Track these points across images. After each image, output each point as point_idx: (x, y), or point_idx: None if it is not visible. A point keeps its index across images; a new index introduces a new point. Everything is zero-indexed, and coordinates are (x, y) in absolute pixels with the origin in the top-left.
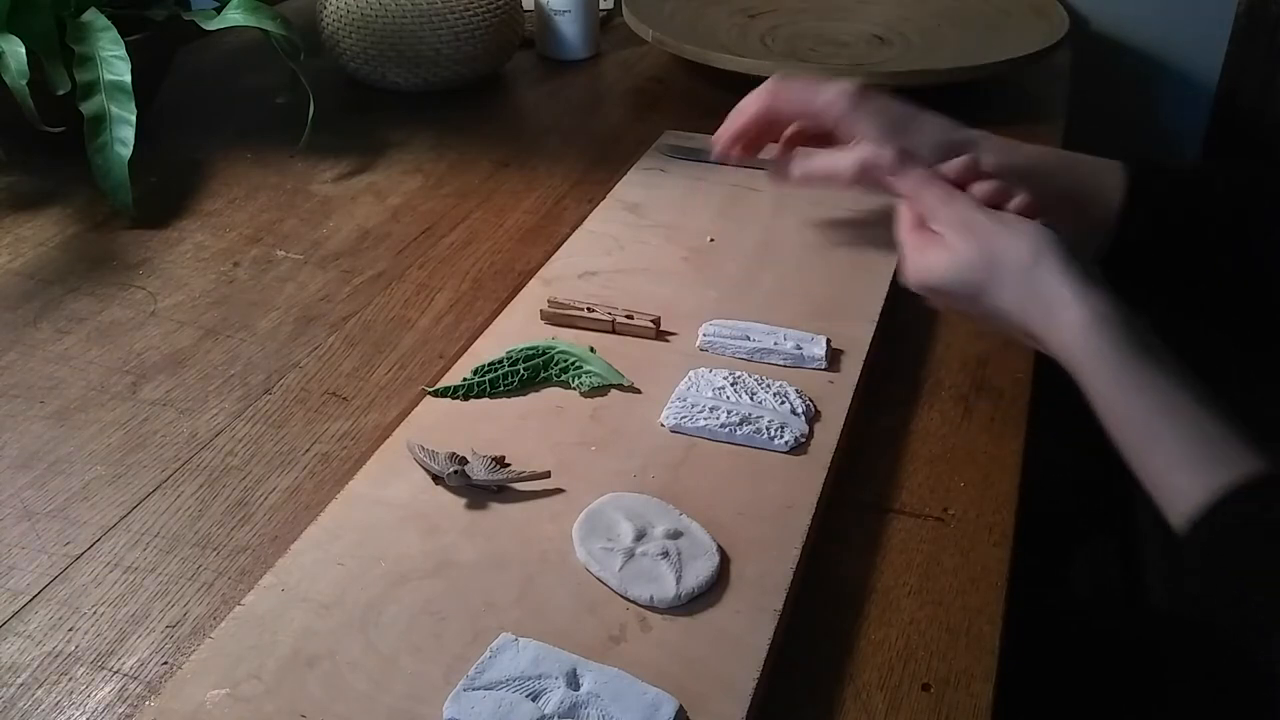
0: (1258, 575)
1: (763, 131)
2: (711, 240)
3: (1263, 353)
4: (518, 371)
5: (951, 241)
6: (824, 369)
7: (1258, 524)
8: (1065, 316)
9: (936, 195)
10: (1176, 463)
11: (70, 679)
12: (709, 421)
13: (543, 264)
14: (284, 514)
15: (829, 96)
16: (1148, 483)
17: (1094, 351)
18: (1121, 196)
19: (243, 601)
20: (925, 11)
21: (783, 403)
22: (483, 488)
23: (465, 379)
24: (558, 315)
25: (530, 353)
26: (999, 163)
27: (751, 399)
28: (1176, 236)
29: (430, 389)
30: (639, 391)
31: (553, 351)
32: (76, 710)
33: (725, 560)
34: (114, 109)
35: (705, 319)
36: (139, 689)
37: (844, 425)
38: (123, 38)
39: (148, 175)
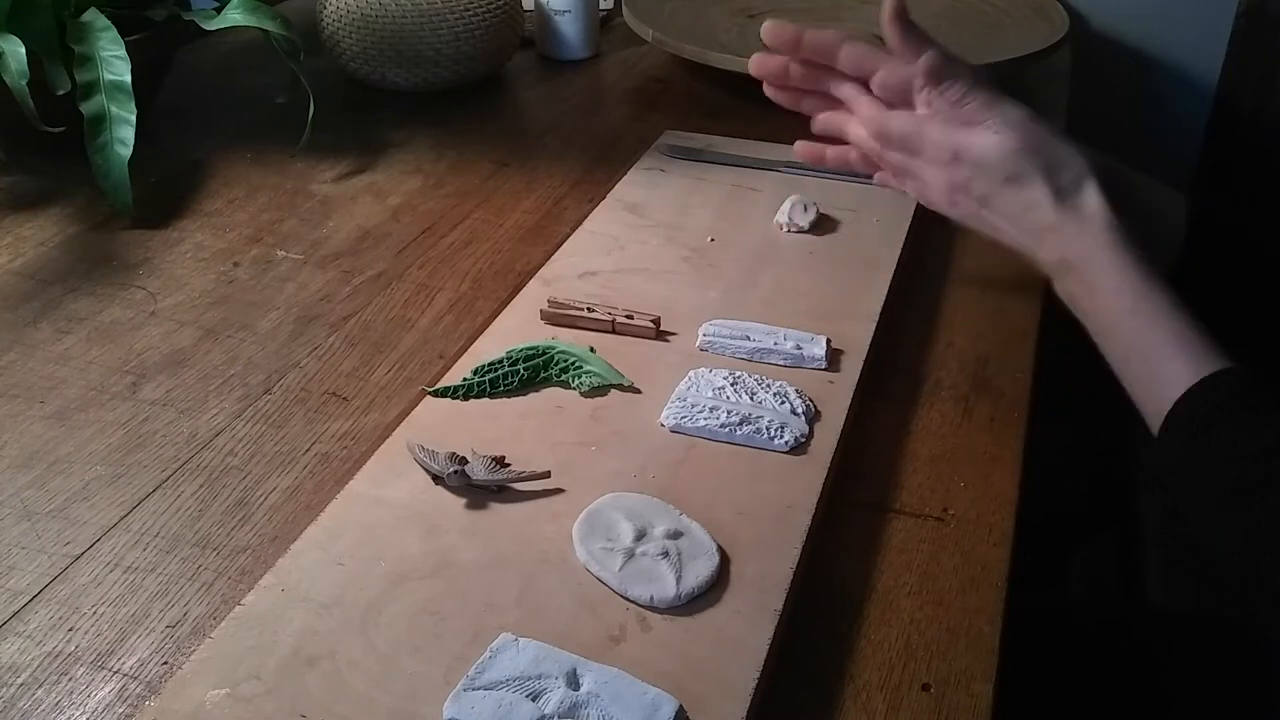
0: (1227, 458)
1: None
2: (711, 240)
3: None
4: (518, 371)
5: (1008, 122)
6: (824, 369)
7: (1230, 410)
8: (1096, 213)
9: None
10: (1178, 352)
11: (70, 679)
12: (709, 421)
13: (543, 264)
14: (284, 514)
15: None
16: (1140, 373)
17: (1118, 245)
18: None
19: (243, 601)
20: (925, 11)
21: (783, 403)
22: (483, 488)
23: (465, 379)
24: (558, 315)
25: (530, 353)
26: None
27: (751, 399)
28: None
29: (430, 389)
30: (639, 391)
31: (553, 351)
32: (76, 710)
33: (725, 560)
34: (114, 109)
35: (705, 319)
36: (139, 689)
37: (844, 425)
38: (123, 38)
39: (148, 175)
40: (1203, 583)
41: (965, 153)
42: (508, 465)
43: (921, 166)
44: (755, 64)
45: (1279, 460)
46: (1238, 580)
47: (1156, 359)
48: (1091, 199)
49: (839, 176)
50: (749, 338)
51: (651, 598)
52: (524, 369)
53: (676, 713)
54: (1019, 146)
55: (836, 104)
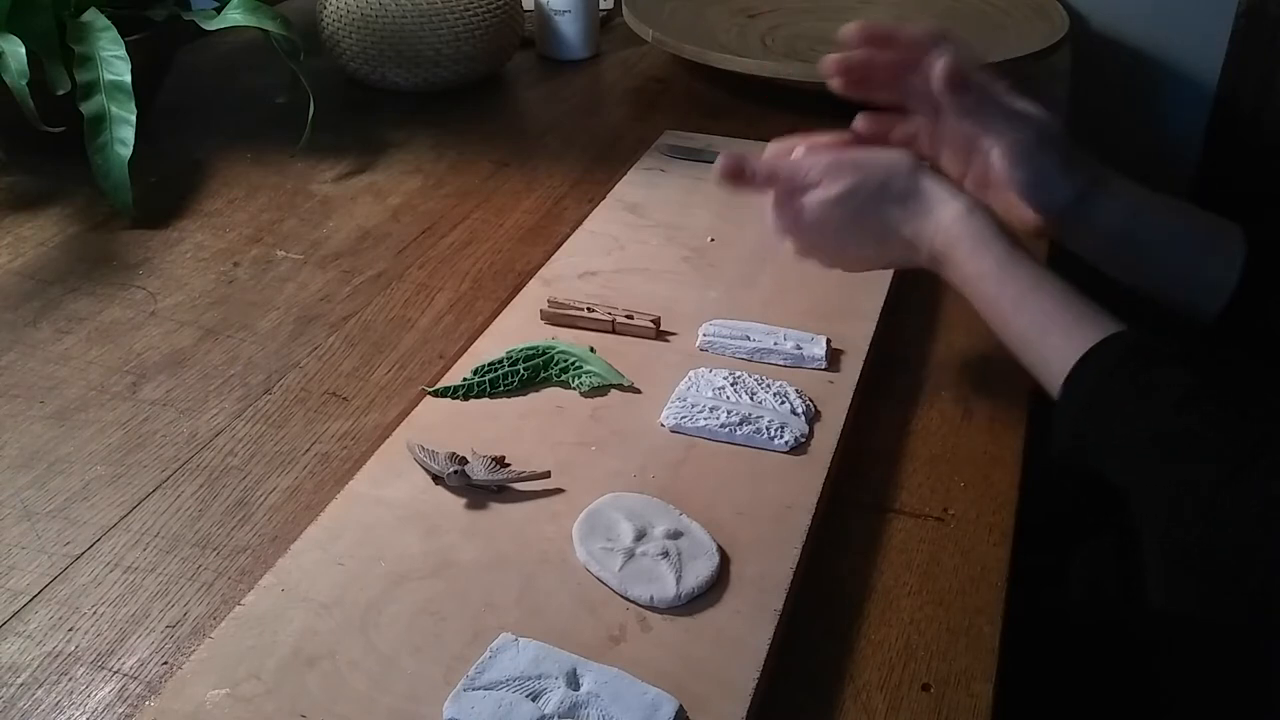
0: (1124, 418)
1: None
2: (711, 240)
3: None
4: (518, 371)
5: (831, 181)
6: (824, 369)
7: (1123, 373)
8: (946, 210)
9: (795, 158)
10: (1051, 327)
11: (70, 679)
12: (709, 421)
13: (543, 264)
14: (284, 514)
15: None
16: (1027, 357)
17: (973, 234)
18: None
19: (243, 601)
20: (925, 12)
21: (783, 403)
22: (483, 488)
23: (465, 379)
24: (558, 315)
25: (530, 353)
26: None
27: (751, 399)
28: None
29: (430, 389)
30: (639, 391)
31: (553, 351)
32: (76, 710)
33: (725, 560)
34: (114, 109)
35: (705, 319)
36: (139, 689)
37: (844, 425)
38: (123, 38)
39: (148, 175)
40: (1201, 570)
41: (801, 223)
42: (508, 465)
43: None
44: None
45: (1179, 421)
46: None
47: (1035, 336)
48: (930, 197)
49: None
50: (749, 338)
51: (651, 598)
52: (524, 369)
53: (676, 713)
54: (844, 198)
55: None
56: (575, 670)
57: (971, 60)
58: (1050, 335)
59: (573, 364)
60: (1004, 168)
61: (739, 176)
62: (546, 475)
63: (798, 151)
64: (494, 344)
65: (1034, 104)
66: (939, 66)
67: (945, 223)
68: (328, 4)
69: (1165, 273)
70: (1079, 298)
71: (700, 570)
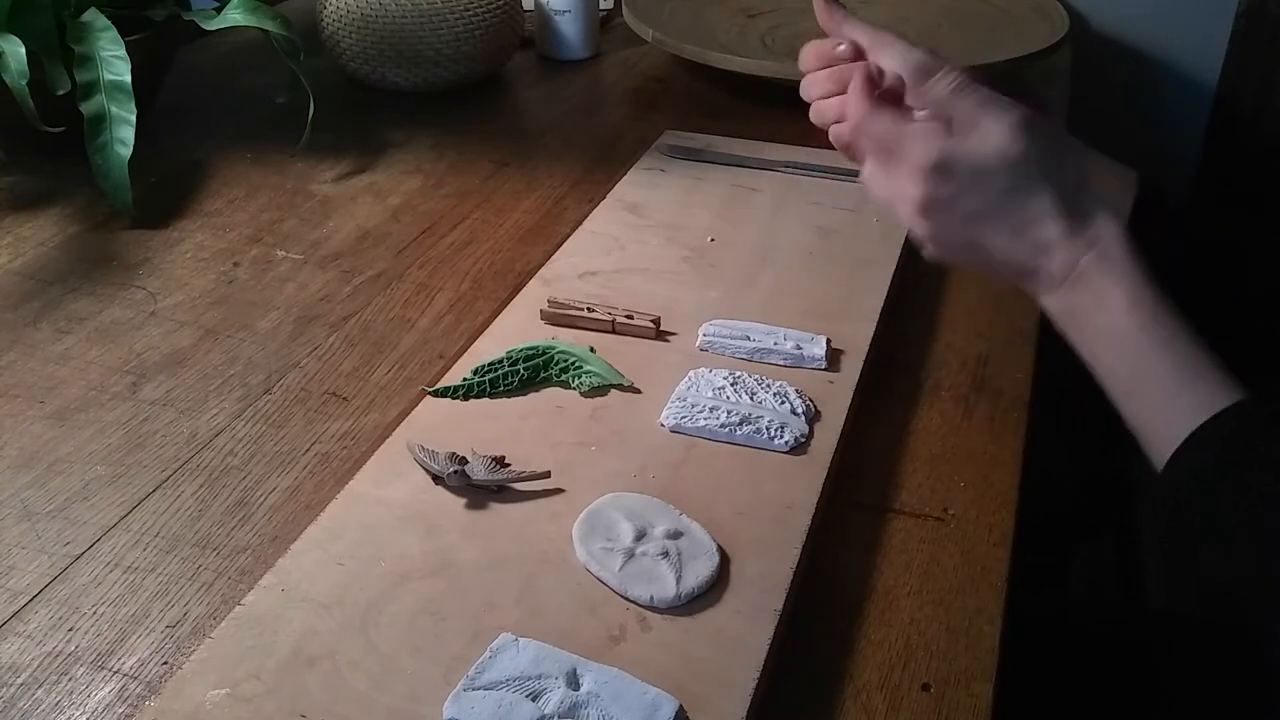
0: (1232, 501)
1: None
2: (711, 240)
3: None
4: (518, 371)
5: (1000, 127)
6: (824, 369)
7: (1236, 452)
8: (1109, 224)
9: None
10: (1187, 383)
11: (70, 679)
12: (709, 421)
13: (543, 264)
14: (284, 514)
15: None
16: (1141, 408)
17: (1133, 262)
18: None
19: (243, 601)
20: (925, 11)
21: (783, 403)
22: (483, 488)
23: (465, 379)
24: (558, 315)
25: (530, 353)
26: None
27: (751, 399)
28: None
29: (430, 389)
30: (639, 391)
31: (553, 351)
32: (76, 710)
33: (725, 560)
34: (114, 109)
35: (705, 319)
36: (139, 689)
37: (844, 425)
38: (123, 38)
39: (148, 175)
40: (1202, 570)
41: (957, 162)
42: (508, 465)
43: (901, 176)
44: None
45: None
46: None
47: (1166, 383)
48: (1100, 205)
49: (838, 176)
50: (749, 338)
51: (651, 598)
52: (524, 369)
53: (676, 713)
54: (1018, 153)
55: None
56: (575, 670)
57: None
58: (1185, 392)
59: (573, 364)
60: None
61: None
62: (546, 475)
63: (935, 73)
64: (494, 344)
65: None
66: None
67: (1106, 237)
68: (328, 4)
69: None
70: (1214, 354)
71: (700, 570)
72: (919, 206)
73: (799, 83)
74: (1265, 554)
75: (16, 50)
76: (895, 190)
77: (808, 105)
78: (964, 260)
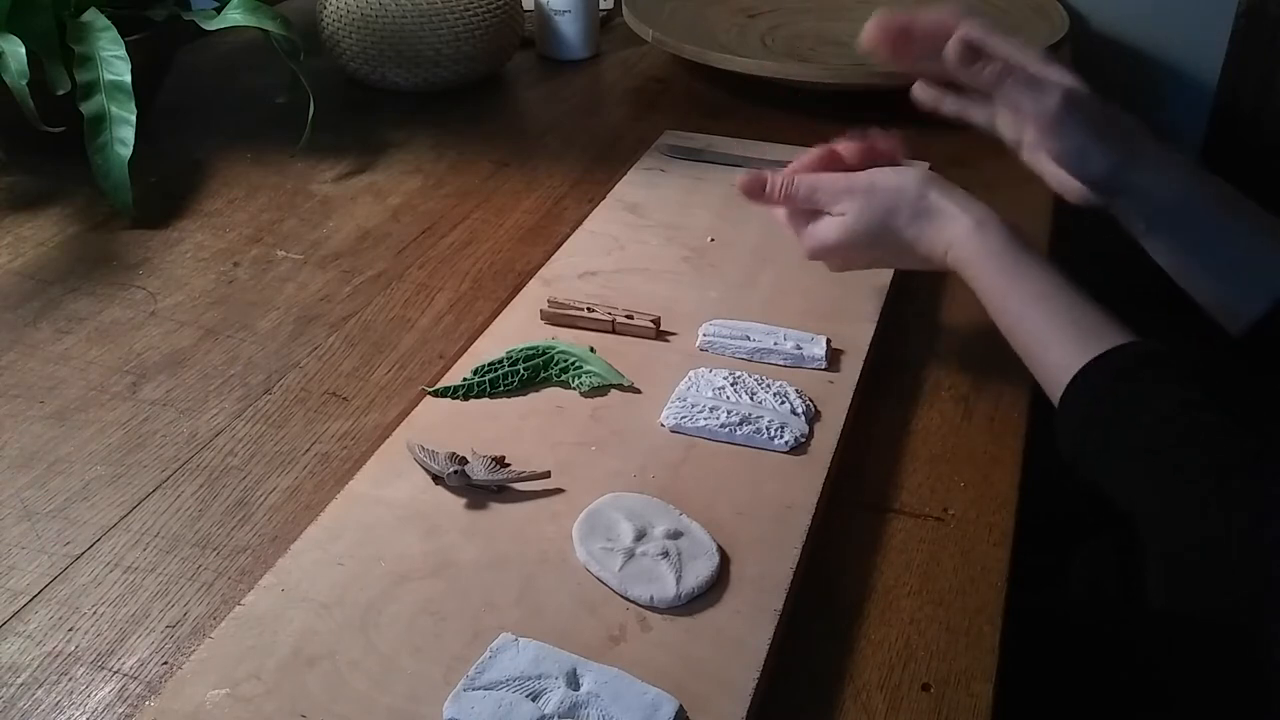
0: (1116, 431)
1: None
2: (711, 240)
3: None
4: (518, 371)
5: (844, 207)
6: (824, 369)
7: (1121, 386)
8: (955, 227)
9: (809, 182)
10: (1053, 340)
11: (70, 679)
12: (709, 421)
13: (543, 264)
14: (284, 514)
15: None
16: (1035, 369)
17: (980, 249)
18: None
19: (243, 601)
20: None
21: (783, 403)
22: (483, 488)
23: (465, 379)
24: (558, 315)
25: (530, 353)
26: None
27: (751, 399)
28: None
29: (430, 389)
30: (639, 391)
31: (553, 351)
32: (76, 710)
33: (725, 560)
34: (114, 109)
35: (705, 319)
36: (139, 689)
37: (844, 425)
38: (123, 38)
39: (148, 175)
40: (1202, 570)
41: (828, 249)
42: (508, 465)
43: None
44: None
45: (1168, 429)
46: (1158, 558)
47: (1041, 353)
48: (941, 213)
49: None
50: (749, 338)
51: (651, 598)
52: (524, 369)
53: (676, 713)
54: (863, 228)
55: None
56: (575, 670)
57: (990, 33)
58: (1053, 347)
59: (573, 364)
60: (1036, 138)
61: (758, 195)
62: (546, 475)
63: (808, 177)
64: (494, 344)
65: (1061, 70)
66: (949, 45)
67: (956, 239)
68: (328, 4)
69: (1203, 269)
70: (1092, 309)
71: (700, 570)
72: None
73: (799, 83)
74: (1159, 470)
75: (16, 50)
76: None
77: (807, 105)
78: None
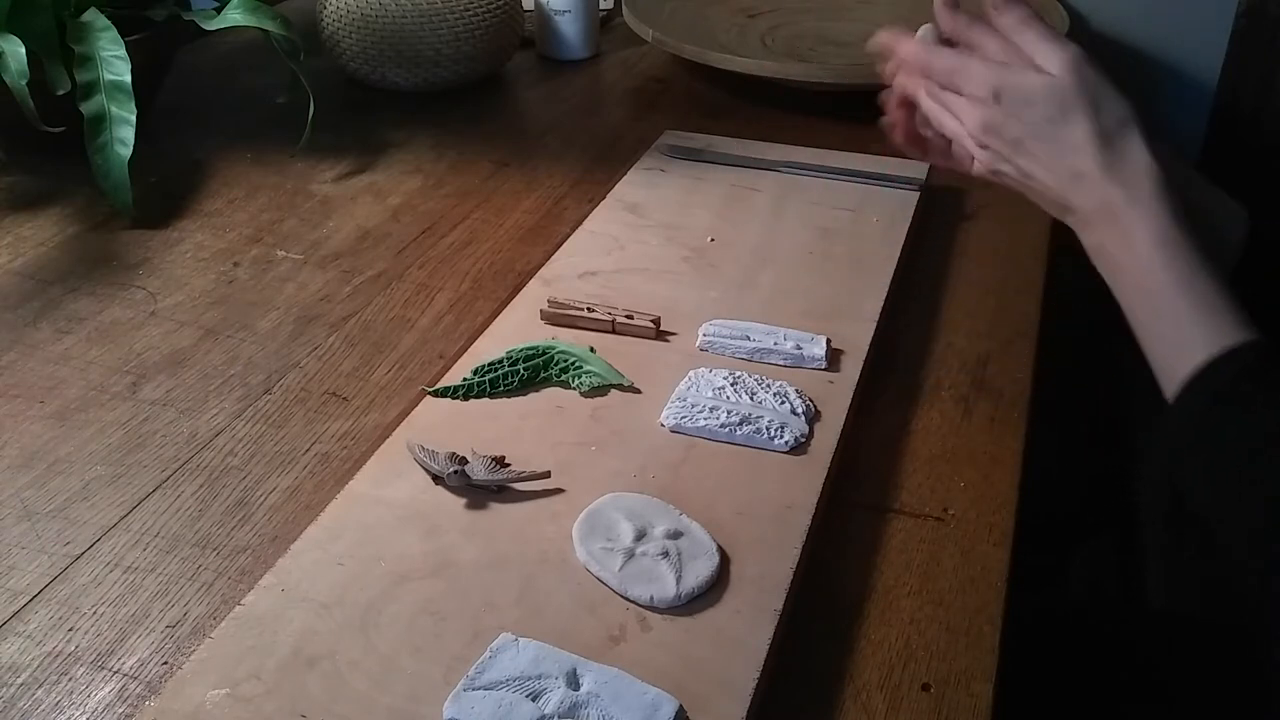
0: (1241, 437)
1: None
2: (711, 240)
3: None
4: (518, 371)
5: (1056, 60)
6: (824, 369)
7: (1249, 386)
8: (1144, 160)
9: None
10: (1198, 319)
11: (70, 679)
12: (709, 421)
13: (543, 264)
14: (284, 514)
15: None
16: (1157, 340)
17: (1163, 199)
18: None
19: (243, 601)
20: (925, 11)
21: (783, 403)
22: (483, 488)
23: (465, 379)
24: (558, 315)
25: (530, 353)
26: None
27: (751, 399)
28: None
29: (430, 389)
30: (639, 391)
31: (553, 351)
32: (76, 710)
33: (725, 560)
34: (114, 109)
35: (705, 319)
36: (139, 689)
37: (844, 425)
38: (123, 38)
39: (148, 175)
40: (1202, 570)
41: (1008, 90)
42: (508, 465)
43: (960, 105)
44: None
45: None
46: (1241, 568)
47: (1183, 321)
48: (1136, 144)
49: (839, 176)
50: (749, 338)
51: (651, 598)
52: (524, 369)
53: (676, 713)
54: (1065, 85)
55: None
56: (575, 670)
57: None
58: (1200, 326)
59: (573, 364)
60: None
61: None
62: (546, 475)
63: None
64: (494, 344)
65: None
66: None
67: (1139, 176)
68: (328, 4)
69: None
70: (1233, 295)
71: (700, 570)
72: (975, 132)
73: (799, 83)
74: (1260, 489)
75: (16, 50)
76: (954, 122)
77: (808, 105)
78: (1017, 185)
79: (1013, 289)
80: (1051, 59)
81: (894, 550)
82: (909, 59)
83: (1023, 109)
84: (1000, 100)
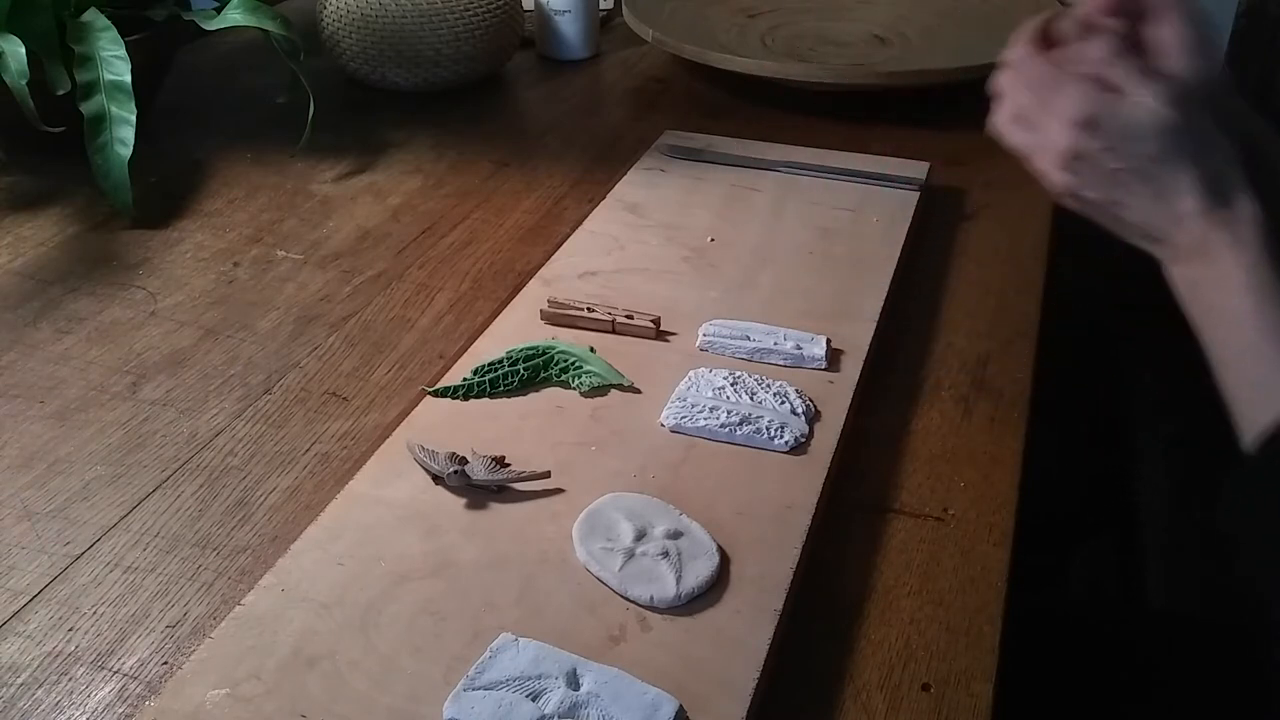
0: None
1: None
2: (711, 240)
3: None
4: (518, 371)
5: (1165, 96)
6: (824, 369)
7: None
8: (1247, 202)
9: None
10: (1276, 374)
11: (70, 679)
12: (709, 421)
13: (543, 264)
14: (284, 514)
15: None
16: (1240, 384)
17: (1260, 239)
18: None
19: (243, 601)
20: (925, 11)
21: (783, 403)
22: (483, 488)
23: (465, 379)
24: (558, 315)
25: (530, 353)
26: None
27: (751, 399)
28: None
29: (430, 389)
30: (639, 391)
31: (553, 351)
32: (76, 710)
33: (725, 560)
34: (114, 109)
35: (705, 319)
36: (139, 689)
37: (844, 425)
38: (123, 38)
39: (148, 175)
40: (1202, 570)
41: (1108, 121)
42: (508, 465)
43: (1050, 125)
44: None
45: None
46: None
47: (1270, 369)
48: (1241, 187)
49: (839, 176)
50: (749, 338)
51: (651, 598)
52: (524, 369)
53: (676, 713)
54: (1173, 124)
55: None
56: (575, 670)
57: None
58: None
59: (573, 364)
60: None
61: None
62: (546, 475)
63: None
64: (494, 344)
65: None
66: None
67: (1244, 220)
68: (328, 4)
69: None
70: None
71: (700, 570)
72: (1062, 158)
73: (799, 83)
74: None
75: (16, 50)
76: (1038, 139)
77: (808, 105)
78: (1097, 215)
79: (1013, 289)
80: (1157, 93)
81: (894, 550)
82: (1010, 55)
83: (1122, 143)
84: (1097, 130)
